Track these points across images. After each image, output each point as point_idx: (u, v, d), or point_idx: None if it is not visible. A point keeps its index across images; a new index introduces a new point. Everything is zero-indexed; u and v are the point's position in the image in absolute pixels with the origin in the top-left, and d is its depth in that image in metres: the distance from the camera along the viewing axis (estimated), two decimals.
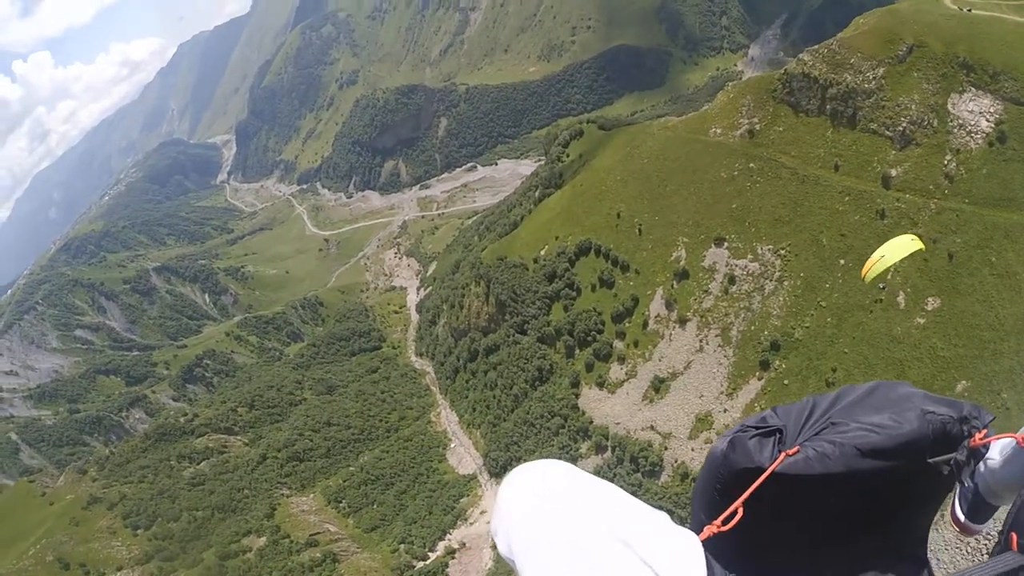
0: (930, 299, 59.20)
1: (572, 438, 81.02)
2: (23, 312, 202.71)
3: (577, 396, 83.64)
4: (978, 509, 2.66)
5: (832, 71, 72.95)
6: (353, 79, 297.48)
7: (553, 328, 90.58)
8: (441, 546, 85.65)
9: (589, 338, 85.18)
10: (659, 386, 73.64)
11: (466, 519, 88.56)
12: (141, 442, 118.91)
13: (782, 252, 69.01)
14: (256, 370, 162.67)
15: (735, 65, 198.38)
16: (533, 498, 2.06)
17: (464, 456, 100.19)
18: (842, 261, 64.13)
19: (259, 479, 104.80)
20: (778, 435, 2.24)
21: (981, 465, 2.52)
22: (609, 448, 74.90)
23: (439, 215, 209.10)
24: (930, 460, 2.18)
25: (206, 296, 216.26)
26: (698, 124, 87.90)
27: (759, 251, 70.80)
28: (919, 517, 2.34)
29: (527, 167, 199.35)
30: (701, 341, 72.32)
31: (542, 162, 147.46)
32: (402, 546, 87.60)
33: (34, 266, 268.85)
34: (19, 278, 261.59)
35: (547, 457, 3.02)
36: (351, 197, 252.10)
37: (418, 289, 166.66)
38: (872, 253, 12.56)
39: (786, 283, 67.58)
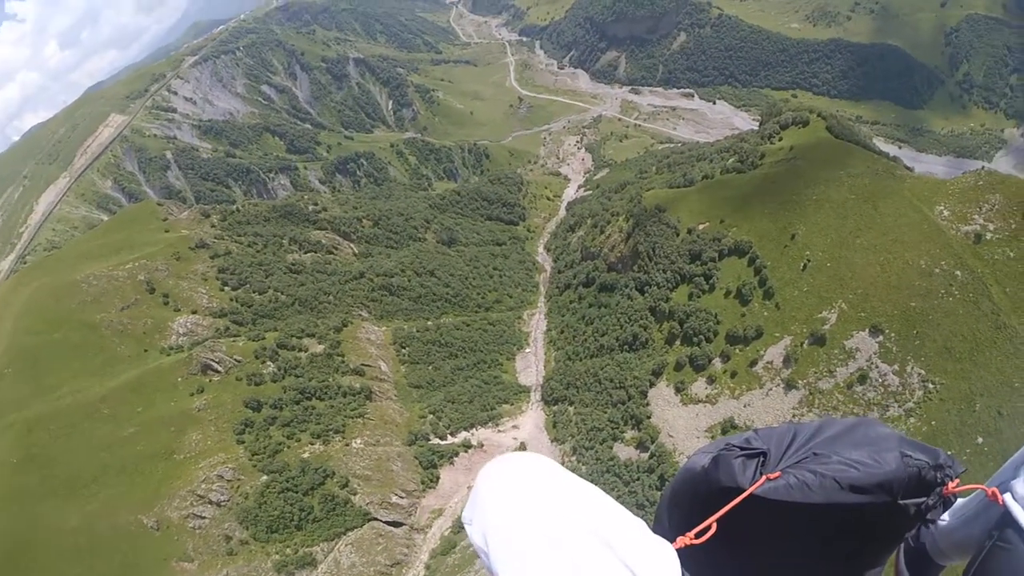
0: None
1: (624, 419, 76.76)
2: (223, 52, 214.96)
3: (652, 385, 78.04)
4: (923, 567, 2.66)
5: None
6: None
7: (669, 307, 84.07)
8: (462, 436, 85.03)
9: (695, 339, 77.87)
10: (728, 430, 65.93)
11: (497, 425, 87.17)
12: (267, 211, 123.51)
13: (930, 386, 57.11)
14: (399, 190, 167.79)
15: (1002, 131, 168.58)
16: (514, 491, 2.02)
17: (531, 367, 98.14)
18: (980, 439, 52.16)
19: (347, 292, 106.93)
20: (761, 458, 2.32)
21: (932, 525, 2.59)
22: (649, 452, 70.40)
23: (635, 125, 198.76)
24: (901, 501, 2.27)
25: (390, 103, 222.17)
26: (929, 191, 72.92)
27: (908, 369, 58.99)
28: (877, 555, 2.45)
29: (742, 121, 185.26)
30: (795, 417, 62.66)
31: (755, 127, 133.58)
32: (431, 416, 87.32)
33: (249, 15, 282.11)
34: (233, 19, 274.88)
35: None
36: (562, 69, 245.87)
37: (579, 187, 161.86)
38: None
39: (912, 420, 56.31)
